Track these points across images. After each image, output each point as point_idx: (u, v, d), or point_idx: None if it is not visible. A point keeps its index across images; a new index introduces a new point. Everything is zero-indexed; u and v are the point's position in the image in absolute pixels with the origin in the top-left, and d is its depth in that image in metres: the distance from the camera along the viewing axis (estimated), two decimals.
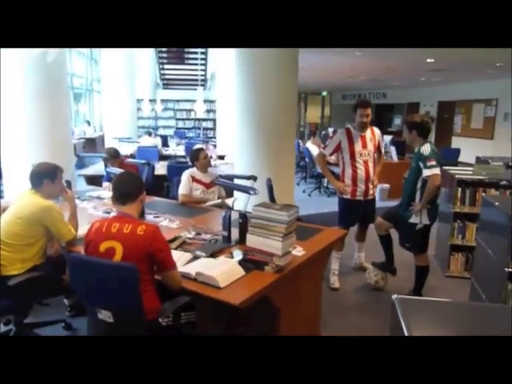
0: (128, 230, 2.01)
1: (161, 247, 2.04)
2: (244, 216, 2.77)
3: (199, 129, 14.56)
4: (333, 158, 8.23)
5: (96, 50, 13.99)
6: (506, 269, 2.51)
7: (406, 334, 1.12)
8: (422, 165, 3.27)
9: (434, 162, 3.21)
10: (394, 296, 1.33)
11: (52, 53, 3.64)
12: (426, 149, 3.29)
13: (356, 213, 3.89)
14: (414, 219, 3.38)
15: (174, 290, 2.12)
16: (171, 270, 2.10)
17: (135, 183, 2.25)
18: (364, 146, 3.80)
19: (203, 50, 12.81)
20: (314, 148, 8.43)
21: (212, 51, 12.57)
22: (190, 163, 4.60)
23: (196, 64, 13.44)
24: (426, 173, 3.24)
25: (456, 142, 13.62)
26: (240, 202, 3.79)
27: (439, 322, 1.20)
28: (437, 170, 3.21)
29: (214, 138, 11.49)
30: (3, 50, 4.06)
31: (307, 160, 8.71)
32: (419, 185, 3.34)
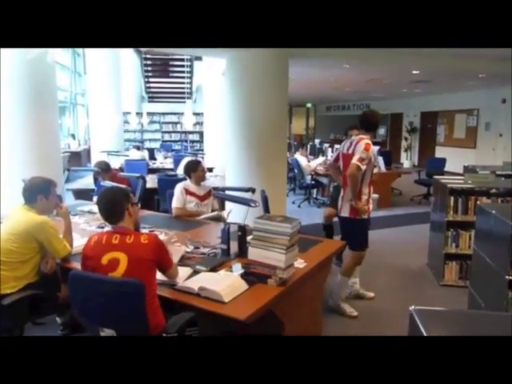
0: (131, 240, 2.03)
1: (165, 251, 2.17)
2: (243, 229, 2.74)
3: (186, 141, 14.51)
4: (321, 169, 8.31)
5: (80, 63, 13.90)
6: (507, 277, 2.52)
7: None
8: None
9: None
10: (412, 307, 1.32)
11: (51, 53, 3.58)
12: None
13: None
14: None
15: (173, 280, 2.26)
16: (172, 267, 2.22)
17: (116, 198, 2.17)
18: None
19: (189, 62, 12.85)
20: (302, 159, 8.48)
21: (197, 64, 12.61)
22: (181, 176, 4.55)
23: (181, 77, 13.47)
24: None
25: (440, 152, 13.82)
26: (234, 214, 3.75)
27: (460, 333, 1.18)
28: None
29: (202, 150, 11.45)
30: None
31: (296, 171, 8.73)
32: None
